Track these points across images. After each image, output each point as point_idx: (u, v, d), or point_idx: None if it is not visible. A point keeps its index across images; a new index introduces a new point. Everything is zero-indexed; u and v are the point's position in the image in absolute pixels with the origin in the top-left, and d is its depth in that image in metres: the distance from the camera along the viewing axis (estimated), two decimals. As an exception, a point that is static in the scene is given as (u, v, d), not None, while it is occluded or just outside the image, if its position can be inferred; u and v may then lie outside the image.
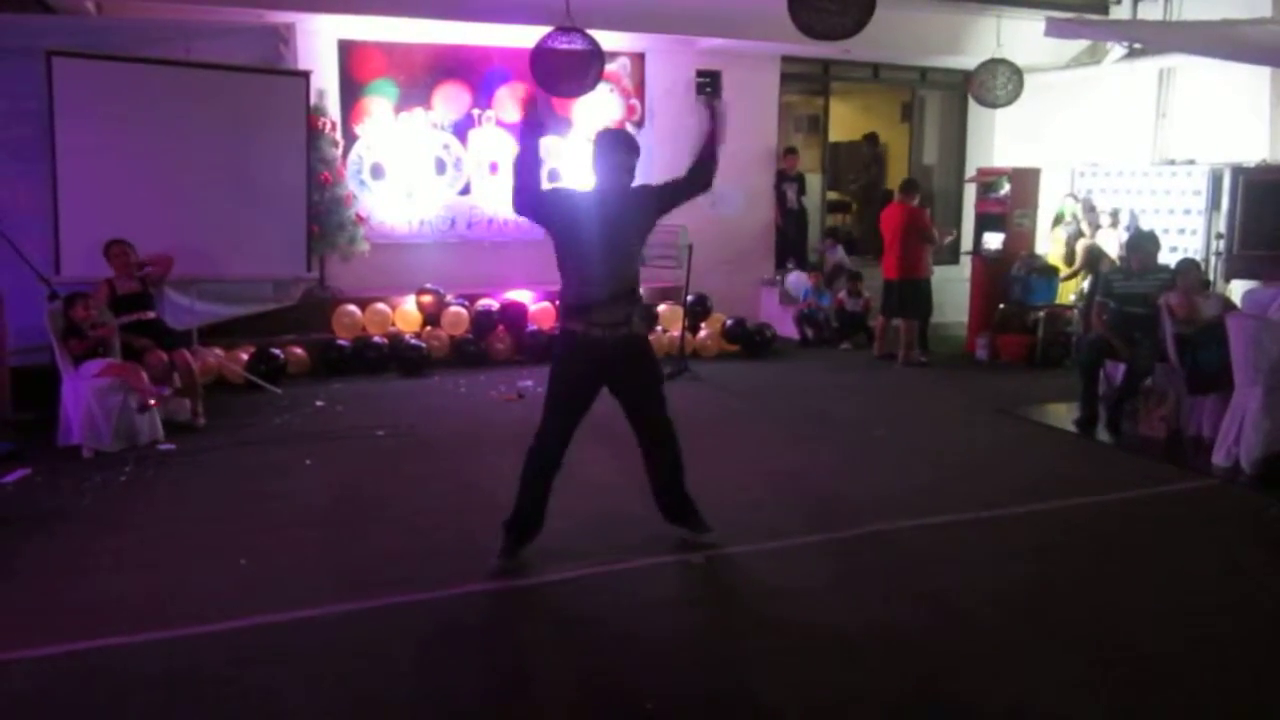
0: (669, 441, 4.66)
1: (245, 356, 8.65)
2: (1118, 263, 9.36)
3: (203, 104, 7.99)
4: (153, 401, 6.65)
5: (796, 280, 11.45)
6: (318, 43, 9.62)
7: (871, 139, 13.70)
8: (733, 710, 3.44)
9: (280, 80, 8.63)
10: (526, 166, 4.41)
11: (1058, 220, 10.97)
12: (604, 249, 4.36)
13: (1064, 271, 10.35)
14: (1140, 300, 7.13)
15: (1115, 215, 10.59)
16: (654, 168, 10.68)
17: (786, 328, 11.13)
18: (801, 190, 11.95)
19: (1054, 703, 3.45)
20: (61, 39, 7.70)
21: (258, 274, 8.70)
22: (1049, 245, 10.97)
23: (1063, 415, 7.60)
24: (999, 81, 10.77)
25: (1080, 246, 10.48)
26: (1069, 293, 10.41)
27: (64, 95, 7.44)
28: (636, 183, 4.57)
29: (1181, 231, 10.07)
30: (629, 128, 10.93)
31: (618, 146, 4.47)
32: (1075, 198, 10.93)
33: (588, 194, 4.50)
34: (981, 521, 5.28)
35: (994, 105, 11.09)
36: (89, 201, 7.57)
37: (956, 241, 12.41)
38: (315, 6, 9.04)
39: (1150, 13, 10.81)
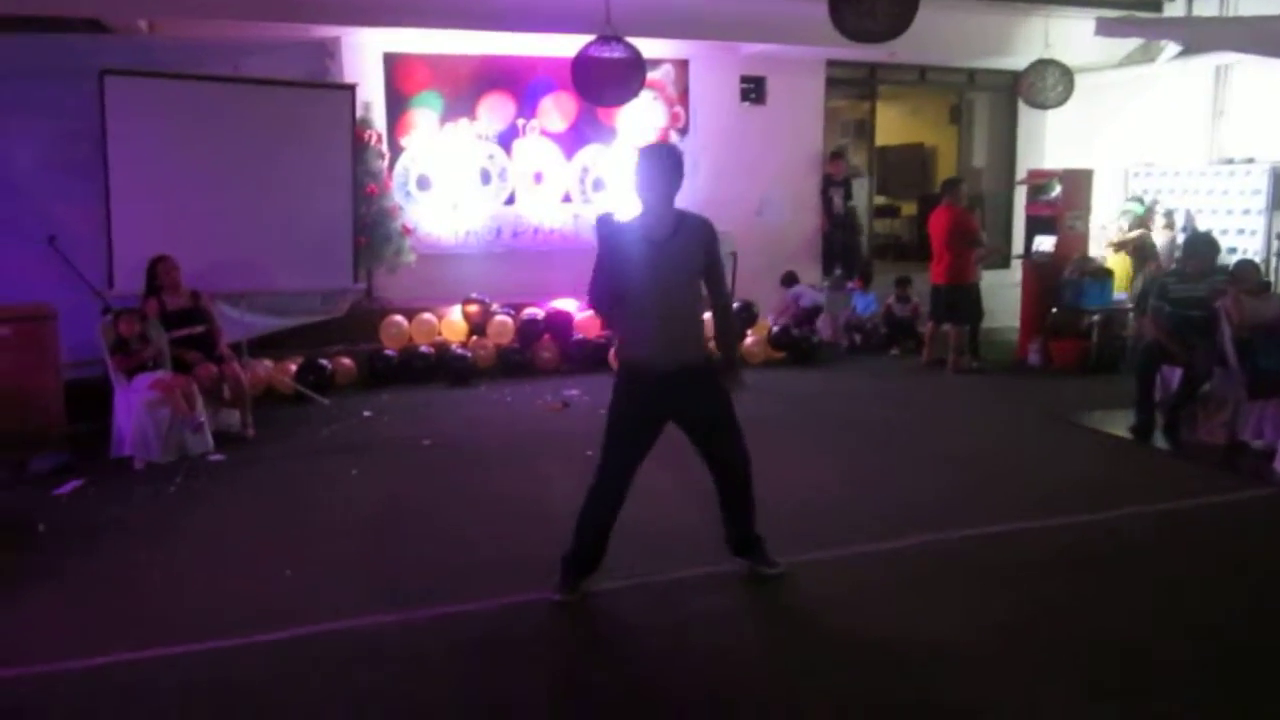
0: (738, 476, 4.43)
1: (294, 368, 8.75)
2: (1165, 264, 9.17)
3: (251, 119, 8.09)
4: (192, 425, 6.72)
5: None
6: (363, 56, 9.71)
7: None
8: (776, 725, 3.39)
9: (327, 94, 8.72)
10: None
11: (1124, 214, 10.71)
12: (657, 277, 4.17)
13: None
14: (1197, 304, 6.94)
15: (1170, 216, 10.38)
16: (699, 174, 10.70)
17: (834, 334, 11.04)
18: (848, 195, 11.82)
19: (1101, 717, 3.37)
20: (114, 58, 7.84)
21: (306, 286, 8.78)
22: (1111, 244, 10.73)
23: (1118, 422, 7.41)
24: (1049, 83, 10.58)
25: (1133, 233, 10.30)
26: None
27: (116, 113, 7.57)
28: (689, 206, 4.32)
29: (1241, 232, 9.83)
30: (673, 135, 10.93)
31: (661, 162, 4.18)
32: (1141, 201, 10.68)
33: (636, 224, 4.25)
34: (1034, 531, 5.16)
35: (1044, 106, 10.91)
36: (141, 217, 7.70)
37: (1007, 245, 12.23)
38: (360, 20, 9.12)
39: (1206, 9, 10.57)
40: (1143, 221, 10.51)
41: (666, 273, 4.18)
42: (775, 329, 10.36)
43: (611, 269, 4.21)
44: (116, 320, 6.83)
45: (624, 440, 4.30)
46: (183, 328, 7.19)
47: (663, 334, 4.22)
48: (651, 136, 10.85)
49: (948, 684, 3.60)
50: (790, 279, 10.97)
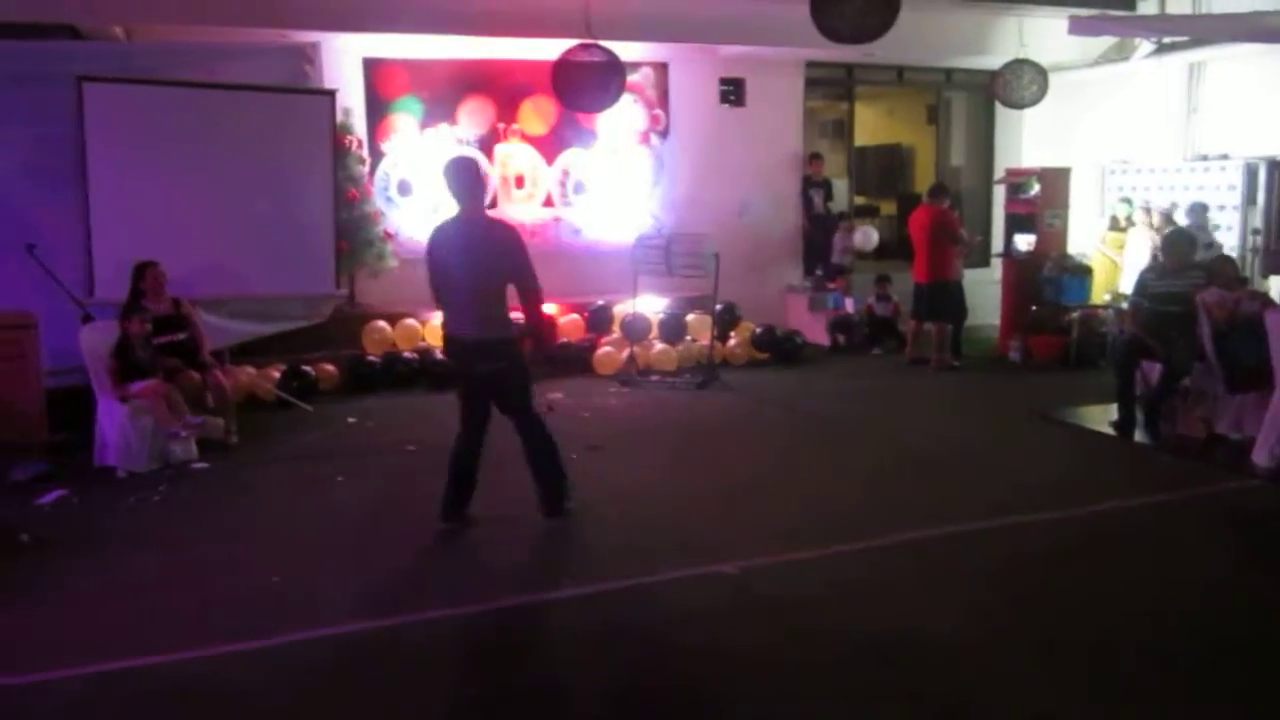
0: (529, 434, 5.31)
1: (276, 374, 8.70)
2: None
3: (230, 125, 8.06)
4: (183, 433, 6.69)
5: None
6: (343, 61, 9.68)
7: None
8: (768, 723, 3.40)
9: (306, 99, 8.68)
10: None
11: (1115, 225, 10.74)
12: (463, 270, 5.07)
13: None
14: (1176, 299, 6.98)
15: (1148, 212, 10.41)
16: (679, 176, 10.75)
17: (816, 334, 11.07)
18: (828, 196, 11.88)
19: (1084, 713, 3.39)
20: (91, 64, 7.79)
21: (288, 292, 8.73)
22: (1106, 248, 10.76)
23: (1099, 417, 7.47)
24: (1023, 82, 10.65)
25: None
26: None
27: (94, 120, 7.53)
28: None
29: (1217, 228, 9.92)
30: (653, 138, 10.94)
31: (467, 174, 5.25)
32: (1129, 202, 10.70)
33: (450, 226, 5.20)
34: (1018, 527, 5.20)
35: (1019, 106, 10.99)
36: (121, 224, 7.65)
37: (987, 243, 12.29)
38: (340, 25, 9.10)
39: (1179, 8, 10.68)
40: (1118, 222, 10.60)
41: (470, 267, 5.08)
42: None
43: (434, 265, 5.20)
44: (125, 319, 6.76)
45: (465, 399, 5.32)
46: (165, 335, 7.14)
47: (466, 315, 5.16)
48: (632, 139, 10.88)
49: (935, 679, 3.63)
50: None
